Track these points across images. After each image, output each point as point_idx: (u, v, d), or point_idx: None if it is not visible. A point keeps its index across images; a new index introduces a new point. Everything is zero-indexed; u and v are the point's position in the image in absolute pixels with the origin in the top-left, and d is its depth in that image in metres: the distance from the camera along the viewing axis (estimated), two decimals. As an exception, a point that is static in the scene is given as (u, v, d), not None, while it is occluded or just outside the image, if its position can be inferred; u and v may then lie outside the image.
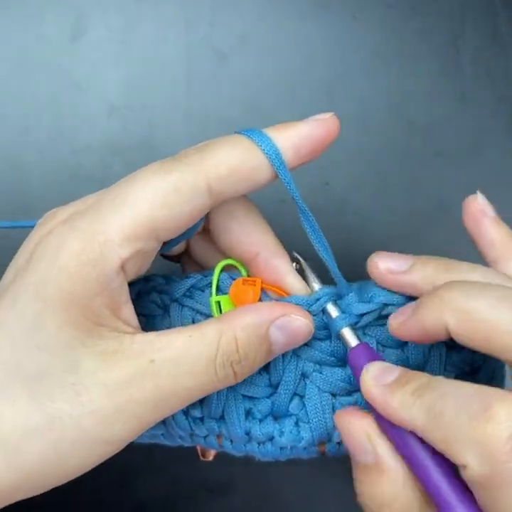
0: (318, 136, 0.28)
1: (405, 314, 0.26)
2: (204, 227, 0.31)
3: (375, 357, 0.27)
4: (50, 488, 0.27)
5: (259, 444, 0.30)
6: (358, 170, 0.45)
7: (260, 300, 0.29)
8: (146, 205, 0.25)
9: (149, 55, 0.45)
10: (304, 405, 0.29)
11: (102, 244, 0.25)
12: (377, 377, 0.25)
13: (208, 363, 0.26)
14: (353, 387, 0.29)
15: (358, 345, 0.28)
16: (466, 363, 0.29)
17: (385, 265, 0.28)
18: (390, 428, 0.25)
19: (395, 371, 0.25)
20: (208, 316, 0.29)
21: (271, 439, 0.29)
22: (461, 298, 0.24)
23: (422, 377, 0.24)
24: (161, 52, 0.45)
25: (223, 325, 0.26)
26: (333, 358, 0.29)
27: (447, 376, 0.28)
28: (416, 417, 0.23)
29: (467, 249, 0.45)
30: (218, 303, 0.29)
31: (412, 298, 0.28)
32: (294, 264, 0.30)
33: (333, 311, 0.28)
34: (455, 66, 0.45)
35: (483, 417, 0.21)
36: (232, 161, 0.26)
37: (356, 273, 0.42)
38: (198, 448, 0.32)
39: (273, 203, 0.42)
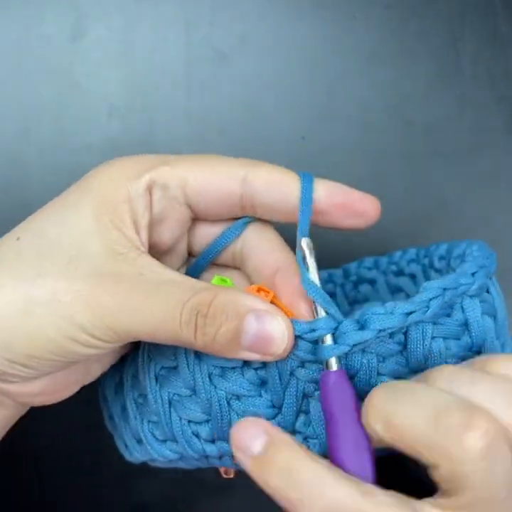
0: (355, 197, 0.30)
1: None
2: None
3: (344, 390, 0.27)
4: (22, 372, 0.28)
5: None
6: (358, 170, 0.45)
7: None
8: (191, 159, 0.30)
9: (149, 55, 0.45)
10: (311, 422, 0.29)
11: (145, 169, 0.30)
12: (244, 448, 0.25)
13: (179, 302, 0.26)
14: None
15: (331, 372, 0.27)
16: (466, 348, 0.29)
17: None
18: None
19: (261, 439, 0.25)
20: None
21: None
22: (384, 403, 0.24)
23: (282, 458, 0.24)
24: (161, 52, 0.45)
25: (213, 285, 0.28)
26: None
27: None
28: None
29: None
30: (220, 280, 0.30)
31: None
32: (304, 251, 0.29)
33: (327, 339, 0.27)
34: (455, 66, 0.45)
35: None
36: (272, 171, 0.30)
37: (356, 273, 0.42)
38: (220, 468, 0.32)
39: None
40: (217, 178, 0.30)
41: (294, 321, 0.28)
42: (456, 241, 0.35)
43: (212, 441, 0.30)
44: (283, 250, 0.31)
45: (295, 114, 0.45)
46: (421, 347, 0.28)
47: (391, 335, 0.28)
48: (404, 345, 0.28)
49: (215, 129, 0.45)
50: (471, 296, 0.29)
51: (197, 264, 0.33)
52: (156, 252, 0.31)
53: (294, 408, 0.29)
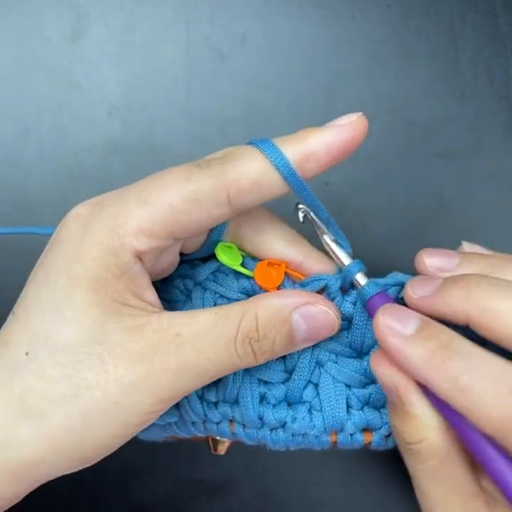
0: (339, 142, 0.28)
1: (426, 289, 0.27)
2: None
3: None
4: (77, 466, 0.27)
5: (271, 430, 0.30)
6: (358, 170, 0.45)
7: (283, 283, 0.30)
8: (165, 207, 0.26)
9: (149, 55, 0.45)
10: (318, 393, 0.29)
11: (121, 235, 0.26)
12: (394, 327, 0.25)
13: (229, 338, 0.26)
14: (369, 380, 0.29)
15: (377, 293, 0.28)
16: None
17: (431, 262, 0.28)
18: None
19: (414, 321, 0.25)
20: (231, 299, 0.30)
21: (283, 425, 0.30)
22: (486, 297, 0.25)
23: (442, 334, 0.25)
24: (161, 52, 0.45)
25: (248, 305, 0.27)
26: (349, 350, 0.29)
27: None
28: (439, 382, 0.24)
29: (467, 249, 0.45)
30: (227, 248, 0.30)
31: None
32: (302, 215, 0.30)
33: (361, 279, 0.28)
34: (455, 66, 0.45)
35: (508, 401, 0.22)
36: (252, 175, 0.27)
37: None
38: (210, 441, 0.32)
39: (273, 202, 0.42)
40: (204, 217, 0.27)
41: (321, 277, 0.29)
42: None
43: (215, 405, 0.30)
44: (297, 244, 0.31)
45: (295, 114, 0.45)
46: (364, 326, 0.29)
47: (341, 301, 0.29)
48: (350, 322, 0.29)
49: (215, 129, 0.45)
50: None
51: (194, 258, 0.32)
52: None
53: (305, 374, 0.29)
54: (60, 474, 0.27)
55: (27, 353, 0.26)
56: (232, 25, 0.45)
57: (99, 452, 0.27)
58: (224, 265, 0.30)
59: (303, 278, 0.30)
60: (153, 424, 0.32)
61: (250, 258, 0.30)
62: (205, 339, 0.26)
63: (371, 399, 0.29)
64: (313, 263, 0.30)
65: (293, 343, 0.27)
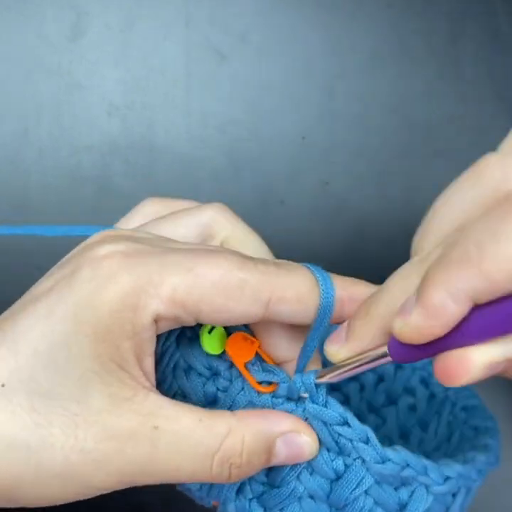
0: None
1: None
2: None
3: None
4: (19, 506, 0.26)
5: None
6: (358, 170, 0.45)
7: (251, 361, 0.29)
8: (207, 284, 0.25)
9: (149, 55, 0.45)
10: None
11: (150, 296, 0.25)
12: (398, 324, 0.22)
13: (207, 454, 0.25)
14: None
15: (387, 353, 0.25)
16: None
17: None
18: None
19: (341, 330, 0.25)
20: (193, 367, 0.29)
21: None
22: None
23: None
24: (161, 52, 0.45)
25: (236, 422, 0.26)
26: (264, 478, 0.29)
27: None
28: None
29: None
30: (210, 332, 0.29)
31: None
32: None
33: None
34: (455, 66, 0.45)
35: None
36: (300, 291, 0.26)
37: (356, 273, 0.42)
38: None
39: (273, 203, 0.42)
40: (238, 309, 0.26)
41: (280, 375, 0.28)
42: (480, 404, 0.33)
43: None
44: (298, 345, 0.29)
45: (295, 114, 0.45)
46: (348, 491, 0.27)
47: (335, 457, 0.28)
48: (338, 478, 0.28)
49: (215, 129, 0.45)
50: (427, 490, 0.28)
51: None
52: None
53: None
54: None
55: (3, 385, 0.24)
56: (232, 25, 0.45)
57: (42, 503, 0.26)
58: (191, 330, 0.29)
59: (271, 362, 0.29)
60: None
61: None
62: (180, 445, 0.25)
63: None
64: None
65: (267, 465, 0.27)
